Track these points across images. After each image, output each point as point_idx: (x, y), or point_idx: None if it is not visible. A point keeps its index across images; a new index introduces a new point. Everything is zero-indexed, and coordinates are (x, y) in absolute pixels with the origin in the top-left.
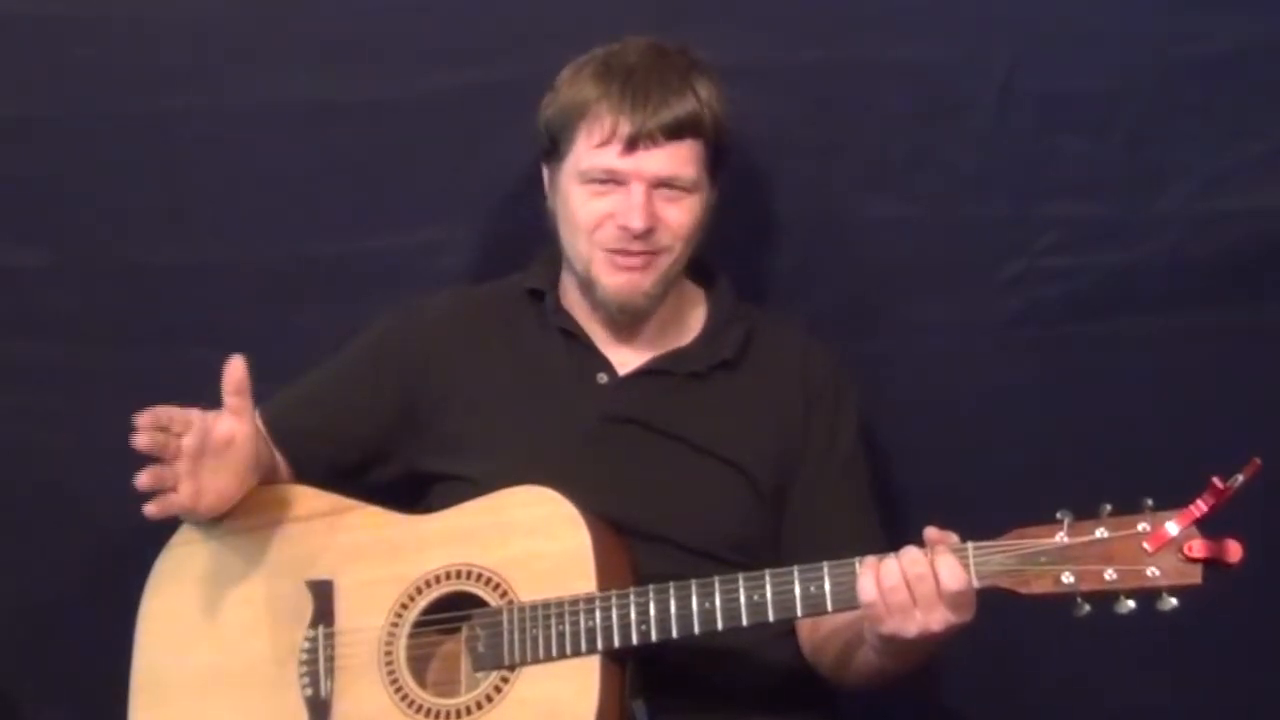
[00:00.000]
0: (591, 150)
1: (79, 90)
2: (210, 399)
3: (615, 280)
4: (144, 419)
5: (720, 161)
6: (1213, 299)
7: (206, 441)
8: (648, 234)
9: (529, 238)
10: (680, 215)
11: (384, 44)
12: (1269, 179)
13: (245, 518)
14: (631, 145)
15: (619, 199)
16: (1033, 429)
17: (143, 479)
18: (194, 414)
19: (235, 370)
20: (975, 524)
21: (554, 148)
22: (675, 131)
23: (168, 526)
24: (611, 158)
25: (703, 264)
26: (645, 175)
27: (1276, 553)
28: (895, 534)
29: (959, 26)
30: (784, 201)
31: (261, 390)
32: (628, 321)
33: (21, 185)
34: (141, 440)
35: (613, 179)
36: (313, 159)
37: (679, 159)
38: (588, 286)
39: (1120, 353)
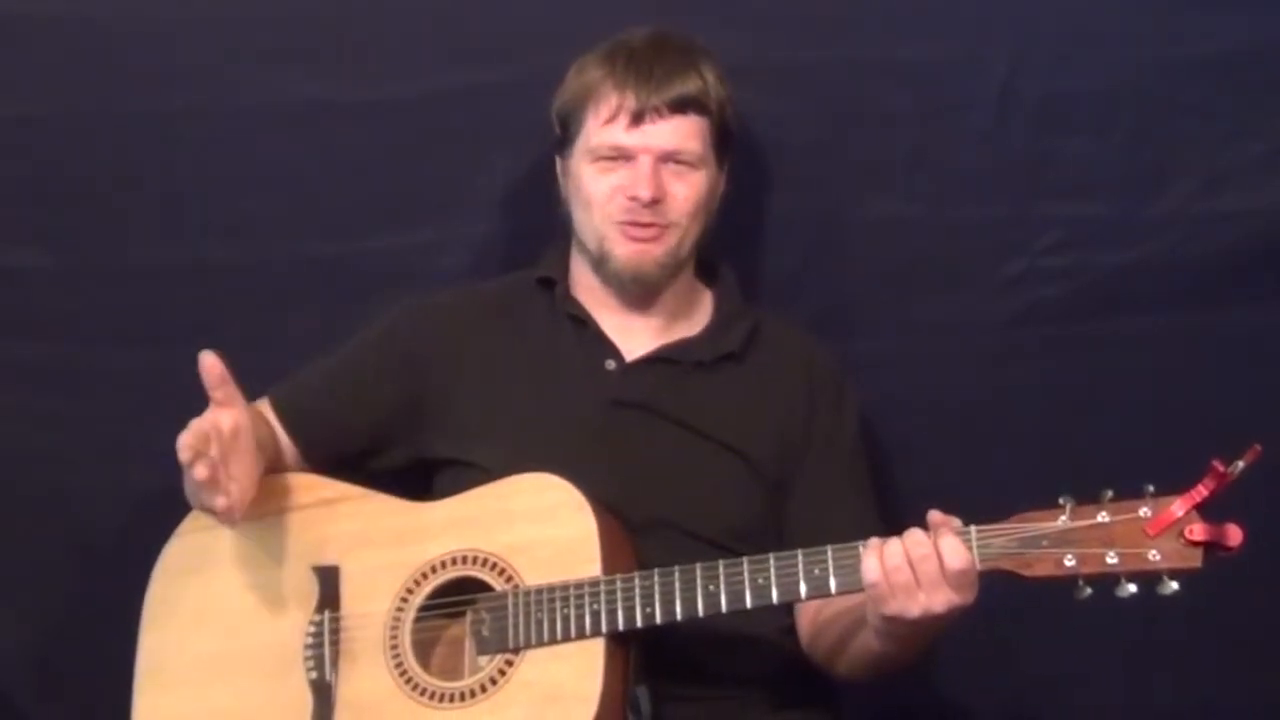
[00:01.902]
0: (600, 128)
1: (79, 90)
2: (208, 398)
3: (627, 250)
4: (193, 451)
5: (726, 146)
6: (1213, 299)
7: (223, 443)
8: (656, 205)
9: (529, 238)
10: (687, 190)
11: (384, 44)
12: (1269, 179)
13: (252, 505)
14: (637, 119)
15: (627, 173)
16: (1033, 428)
17: (220, 501)
18: (202, 425)
19: (213, 368)
20: (976, 523)
21: (565, 135)
22: (680, 106)
23: (167, 525)
24: (618, 133)
25: (709, 262)
26: (652, 148)
27: (1277, 546)
28: (895, 533)
29: (959, 26)
30: (784, 201)
31: (260, 390)
32: (640, 295)
33: (21, 185)
34: (202, 471)
35: (621, 154)
36: (313, 159)
37: (684, 132)
38: (601, 263)
39: (1120, 353)
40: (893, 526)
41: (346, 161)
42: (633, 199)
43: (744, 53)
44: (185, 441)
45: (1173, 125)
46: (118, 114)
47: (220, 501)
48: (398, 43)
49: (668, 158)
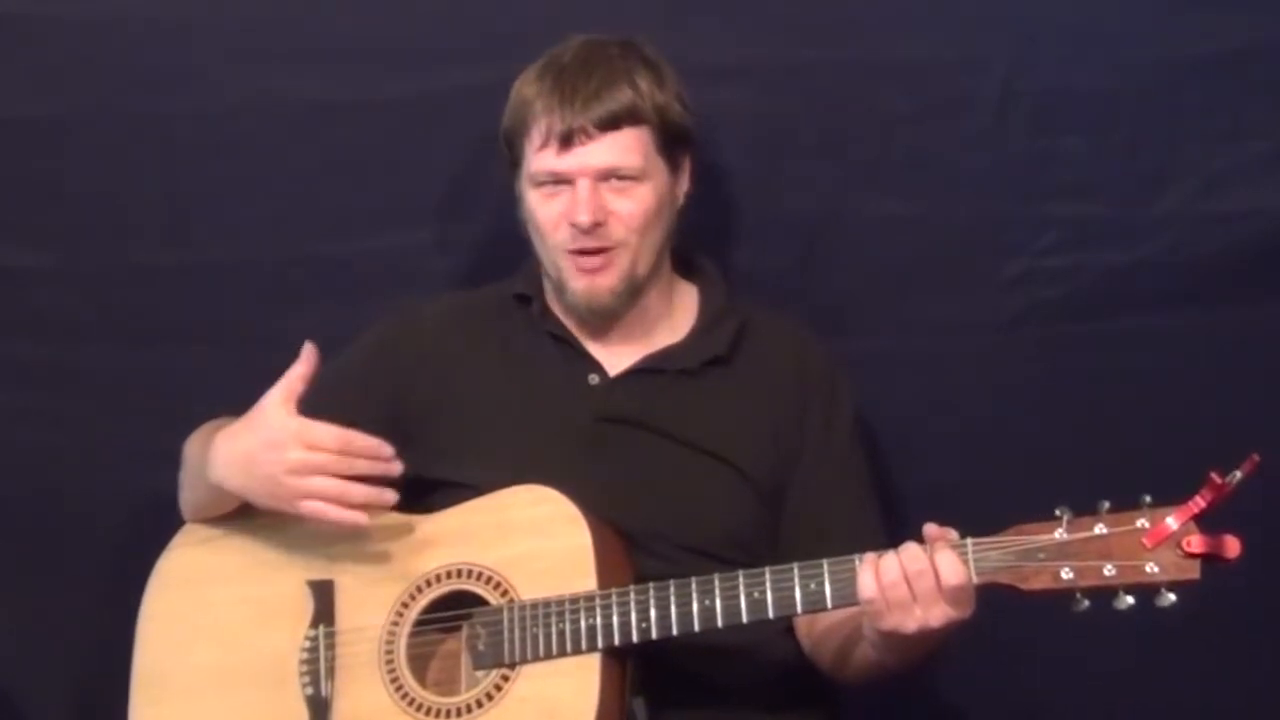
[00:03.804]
0: (536, 154)
1: (79, 90)
2: (208, 398)
3: (580, 284)
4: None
5: (678, 147)
6: (1213, 299)
7: None
8: (598, 228)
9: (528, 239)
10: (631, 206)
11: (383, 44)
12: (1269, 179)
13: (247, 518)
14: (566, 142)
15: (568, 198)
16: (1033, 429)
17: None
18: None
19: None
20: (975, 523)
21: (511, 157)
22: (610, 123)
23: (168, 526)
24: (551, 159)
25: (692, 259)
26: (587, 170)
27: (1275, 550)
28: (895, 533)
29: (959, 26)
30: (784, 201)
31: (261, 391)
32: (600, 323)
33: (22, 185)
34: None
35: (559, 179)
36: (313, 159)
37: (619, 148)
38: (560, 292)
39: (1120, 353)
40: (892, 527)
41: (346, 161)
42: (573, 225)
43: (744, 53)
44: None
45: (1173, 125)
46: (118, 114)
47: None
48: (397, 43)
49: (606, 176)
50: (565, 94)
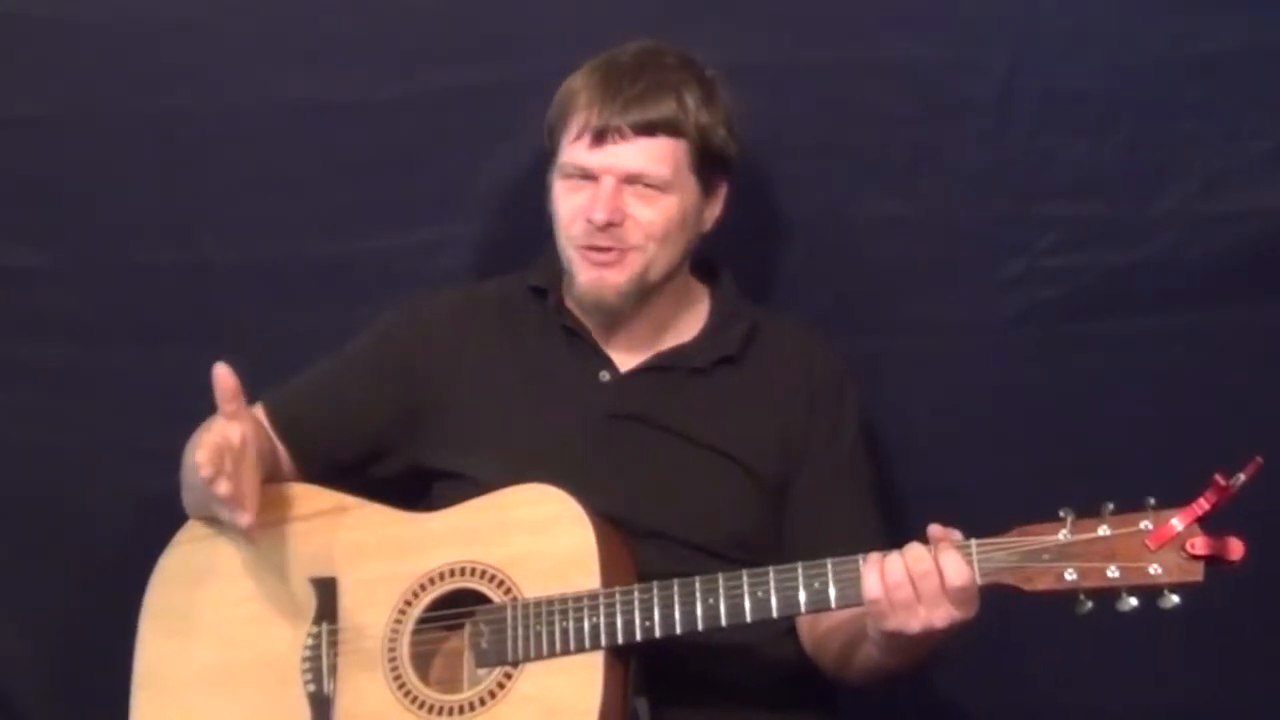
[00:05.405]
0: (569, 146)
1: (79, 90)
2: (208, 398)
3: (588, 276)
4: (213, 468)
5: (714, 170)
6: (1213, 299)
7: (235, 457)
8: (613, 229)
9: (528, 238)
10: (652, 214)
11: (383, 44)
12: (1269, 179)
13: None
14: (600, 138)
15: (590, 194)
16: (1033, 428)
17: (245, 518)
18: (216, 441)
19: (226, 380)
20: (976, 523)
21: (551, 146)
22: (647, 128)
23: (168, 526)
24: (582, 152)
25: (707, 262)
26: (614, 169)
27: (1277, 552)
28: (896, 533)
29: (959, 26)
30: (784, 201)
31: (261, 390)
32: (609, 319)
33: (21, 185)
34: (225, 488)
35: (586, 174)
36: (313, 159)
37: (649, 155)
38: (570, 284)
39: (1120, 353)
40: (893, 527)
41: (346, 161)
42: (588, 221)
43: (745, 53)
44: (204, 458)
45: (1173, 125)
46: (117, 114)
47: (245, 518)
48: (397, 43)
49: (633, 179)
50: (610, 91)
